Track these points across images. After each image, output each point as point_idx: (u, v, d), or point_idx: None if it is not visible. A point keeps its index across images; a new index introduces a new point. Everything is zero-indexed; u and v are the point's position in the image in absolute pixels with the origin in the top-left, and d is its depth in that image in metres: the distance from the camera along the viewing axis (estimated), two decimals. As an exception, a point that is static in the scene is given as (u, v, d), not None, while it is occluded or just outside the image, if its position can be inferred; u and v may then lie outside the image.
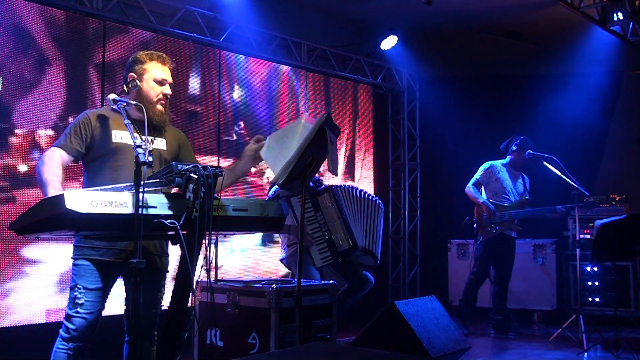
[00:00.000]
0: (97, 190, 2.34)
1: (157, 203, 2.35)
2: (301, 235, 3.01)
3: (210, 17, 5.85)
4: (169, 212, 2.36)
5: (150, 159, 2.39)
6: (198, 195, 2.37)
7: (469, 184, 6.09)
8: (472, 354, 4.61)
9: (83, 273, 2.81)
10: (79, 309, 2.76)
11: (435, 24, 7.19)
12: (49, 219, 2.23)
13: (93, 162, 2.91)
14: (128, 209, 2.27)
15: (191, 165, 2.39)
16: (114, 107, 2.83)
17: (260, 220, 2.67)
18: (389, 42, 7.20)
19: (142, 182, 2.30)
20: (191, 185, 2.38)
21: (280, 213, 2.73)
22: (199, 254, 2.47)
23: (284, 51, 6.66)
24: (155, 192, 2.42)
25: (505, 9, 6.84)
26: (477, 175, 6.09)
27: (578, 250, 5.86)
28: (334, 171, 3.39)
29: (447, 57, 8.06)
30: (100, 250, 2.81)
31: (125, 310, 2.98)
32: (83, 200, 2.18)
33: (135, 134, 2.60)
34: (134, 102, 2.85)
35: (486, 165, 6.09)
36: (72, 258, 2.88)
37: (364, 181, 7.41)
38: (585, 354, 5.20)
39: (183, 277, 2.51)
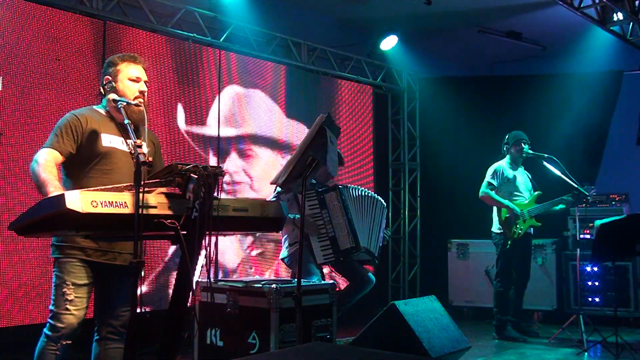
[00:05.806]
0: (97, 190, 2.34)
1: (157, 203, 2.35)
2: (301, 236, 3.01)
3: (210, 17, 5.85)
4: (169, 212, 2.36)
5: (150, 159, 2.41)
6: (198, 195, 2.37)
7: (485, 189, 5.72)
8: (472, 354, 4.61)
9: (71, 269, 2.78)
10: (68, 306, 2.76)
11: (435, 24, 7.19)
12: (49, 219, 2.23)
13: (80, 165, 2.85)
14: (128, 209, 2.26)
15: (191, 165, 2.39)
16: (98, 108, 2.94)
17: (260, 220, 2.67)
18: (389, 42, 7.20)
19: (142, 182, 2.30)
20: (191, 185, 2.38)
21: (280, 213, 2.73)
22: (199, 254, 2.47)
23: (284, 51, 6.66)
24: (155, 192, 2.42)
25: (505, 9, 6.84)
26: (490, 179, 5.74)
27: (578, 250, 5.86)
28: (333, 172, 3.39)
29: (447, 57, 8.07)
30: (87, 251, 2.80)
31: (95, 310, 2.97)
32: (83, 200, 2.18)
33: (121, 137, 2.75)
34: (134, 102, 2.86)
35: (495, 167, 5.80)
36: (53, 257, 2.84)
37: (364, 181, 7.40)
38: (585, 354, 5.20)
39: (183, 277, 2.51)
